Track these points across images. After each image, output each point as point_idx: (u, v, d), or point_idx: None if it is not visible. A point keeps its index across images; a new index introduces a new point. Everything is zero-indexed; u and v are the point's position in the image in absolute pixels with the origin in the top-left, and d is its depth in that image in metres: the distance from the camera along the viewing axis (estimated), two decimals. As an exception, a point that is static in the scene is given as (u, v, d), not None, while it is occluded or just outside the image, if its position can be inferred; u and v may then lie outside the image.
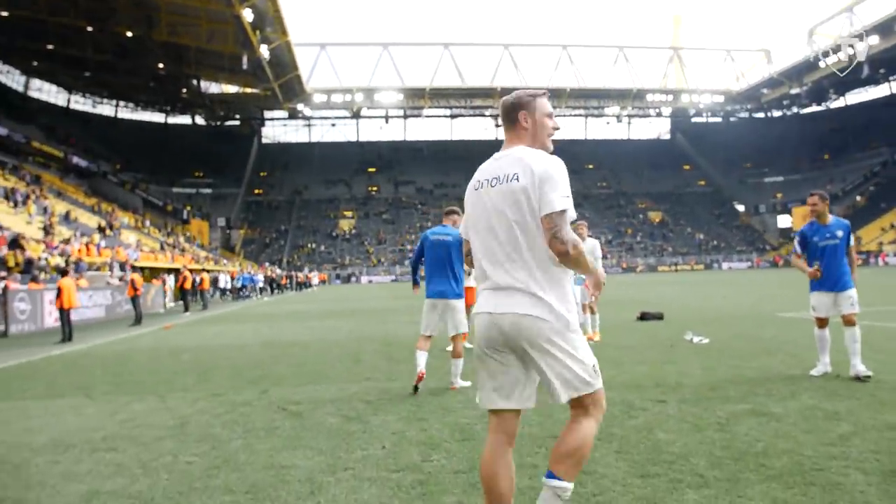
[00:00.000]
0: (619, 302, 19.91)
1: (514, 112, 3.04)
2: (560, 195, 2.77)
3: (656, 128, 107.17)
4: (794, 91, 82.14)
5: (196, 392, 7.40)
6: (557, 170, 2.84)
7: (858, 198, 78.19)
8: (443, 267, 7.23)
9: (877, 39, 66.13)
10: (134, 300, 19.85)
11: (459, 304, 7.30)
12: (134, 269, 22.32)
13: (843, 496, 3.59)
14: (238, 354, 10.98)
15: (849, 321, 6.99)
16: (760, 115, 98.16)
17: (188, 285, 26.01)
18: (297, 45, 63.63)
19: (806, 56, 75.52)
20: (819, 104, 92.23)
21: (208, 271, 42.00)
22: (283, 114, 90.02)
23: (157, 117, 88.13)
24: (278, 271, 54.28)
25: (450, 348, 10.22)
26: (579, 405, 2.91)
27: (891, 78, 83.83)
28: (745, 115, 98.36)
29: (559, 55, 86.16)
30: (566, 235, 2.73)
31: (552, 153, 2.97)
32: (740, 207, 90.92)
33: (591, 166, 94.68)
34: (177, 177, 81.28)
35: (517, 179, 2.87)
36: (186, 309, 25.38)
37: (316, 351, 11.05)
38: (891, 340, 9.48)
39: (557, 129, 3.11)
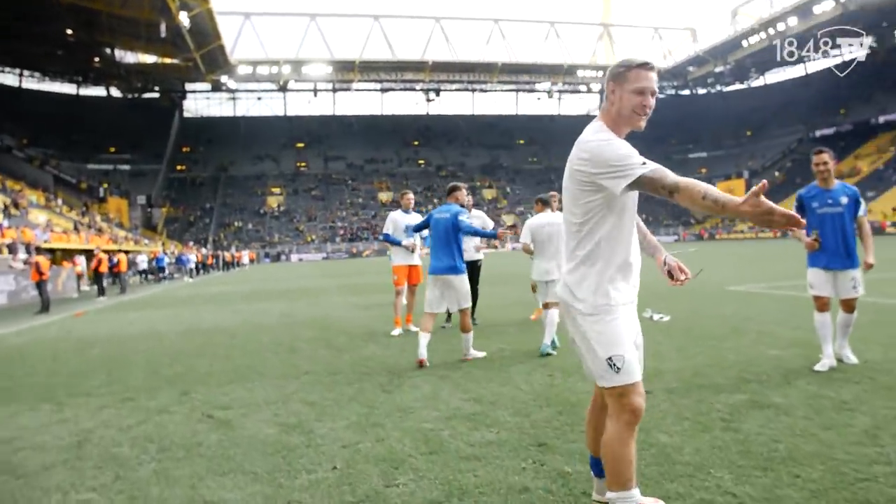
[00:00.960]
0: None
1: (607, 84, 2.84)
2: (630, 167, 2.64)
3: (586, 104, 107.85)
4: (719, 69, 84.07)
5: (102, 397, 6.23)
6: (602, 150, 2.71)
7: (777, 173, 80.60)
8: (442, 244, 7.26)
9: (795, 21, 68.40)
10: (39, 285, 18.06)
11: (458, 279, 7.20)
12: (39, 251, 20.36)
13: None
14: (155, 346, 9.74)
15: (847, 306, 6.09)
16: (686, 92, 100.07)
17: (103, 268, 24.15)
18: (219, 13, 60.73)
19: (731, 35, 77.31)
20: (741, 82, 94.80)
21: (127, 252, 39.74)
22: (206, 86, 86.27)
23: (67, 88, 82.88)
24: (203, 251, 51.95)
25: (447, 324, 9.92)
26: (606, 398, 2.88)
27: (806, 58, 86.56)
28: (671, 92, 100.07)
29: (491, 29, 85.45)
30: (666, 183, 2.61)
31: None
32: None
33: (521, 141, 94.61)
34: (91, 153, 76.95)
35: None
36: (101, 293, 23.56)
37: (244, 339, 9.94)
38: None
39: (649, 106, 2.77)
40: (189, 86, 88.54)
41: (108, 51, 70.18)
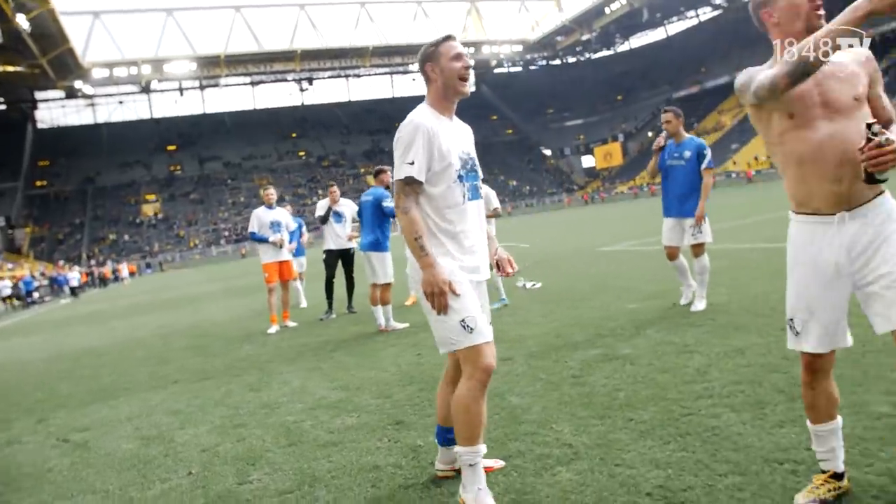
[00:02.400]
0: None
1: (423, 67, 3.01)
2: (400, 162, 2.86)
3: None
4: (585, 37, 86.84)
5: (-51, 434, 5.86)
6: (401, 133, 2.88)
7: (650, 133, 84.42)
8: (367, 224, 8.16)
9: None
10: None
11: (377, 256, 8.02)
12: None
13: (723, 442, 3.22)
14: (14, 377, 9.14)
15: (694, 252, 6.59)
16: (557, 62, 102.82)
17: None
18: (64, 13, 56.90)
19: (594, 3, 79.95)
20: (608, 49, 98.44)
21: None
22: (60, 94, 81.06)
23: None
24: (77, 268, 49.10)
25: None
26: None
27: (666, 21, 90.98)
28: (543, 63, 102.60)
29: (358, 12, 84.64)
30: (398, 202, 2.85)
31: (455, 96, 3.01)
32: (547, 152, 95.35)
33: (400, 124, 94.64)
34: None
35: None
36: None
37: (115, 357, 9.50)
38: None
39: (469, 67, 3.00)
40: (40, 94, 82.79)
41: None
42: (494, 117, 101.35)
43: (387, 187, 8.26)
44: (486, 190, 8.77)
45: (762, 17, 2.47)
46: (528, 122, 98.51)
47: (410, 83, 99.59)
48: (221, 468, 3.89)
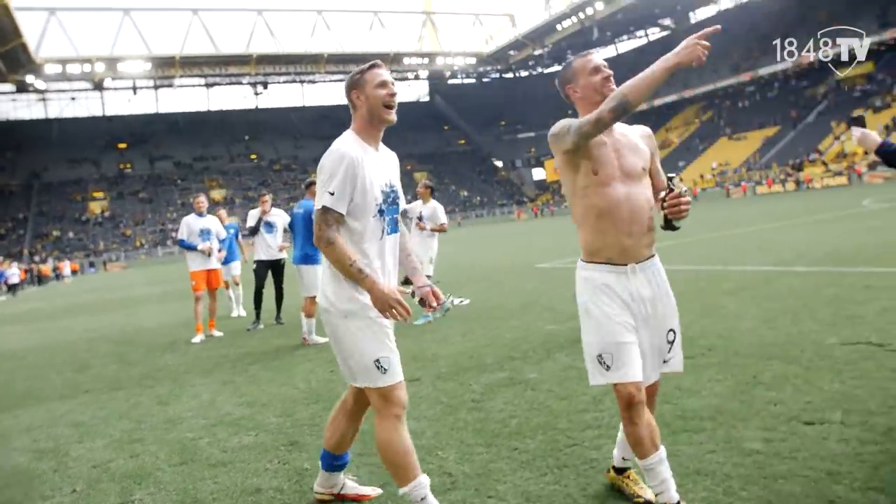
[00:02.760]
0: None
1: (349, 95, 2.93)
2: (321, 190, 2.77)
3: (416, 90, 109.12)
4: (538, 52, 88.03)
5: None
6: (325, 160, 2.80)
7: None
8: (297, 236, 8.31)
9: (602, 6, 73.36)
10: None
11: (308, 269, 8.14)
12: None
13: (597, 476, 3.31)
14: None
15: None
16: (510, 75, 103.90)
17: None
18: (17, 8, 55.57)
19: (545, 20, 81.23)
20: (560, 64, 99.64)
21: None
22: (11, 87, 78.83)
23: None
24: (16, 265, 47.58)
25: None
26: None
27: (616, 39, 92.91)
28: (496, 75, 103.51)
29: (315, 20, 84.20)
30: (320, 234, 2.75)
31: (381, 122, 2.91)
32: (499, 163, 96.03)
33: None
34: None
35: None
36: None
37: (33, 362, 9.29)
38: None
39: (394, 94, 2.92)
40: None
41: None
42: (447, 127, 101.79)
43: None
44: (433, 205, 9.09)
45: (567, 92, 2.87)
46: (481, 134, 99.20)
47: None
48: (107, 486, 3.86)
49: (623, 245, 2.70)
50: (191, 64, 79.28)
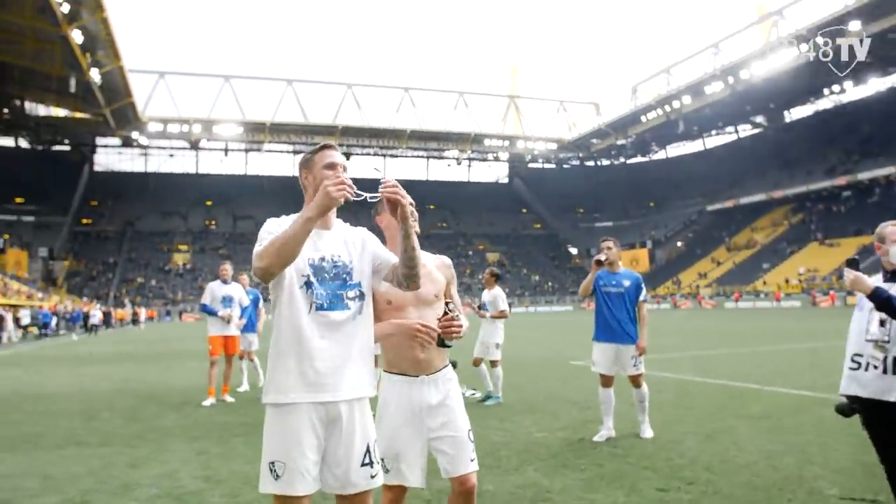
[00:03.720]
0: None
1: (300, 174, 2.83)
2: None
3: (495, 171, 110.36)
4: (621, 142, 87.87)
5: None
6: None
7: (679, 244, 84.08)
8: None
9: (689, 99, 72.51)
10: None
11: None
12: None
13: None
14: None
15: (634, 382, 6.64)
16: (591, 163, 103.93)
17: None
18: (132, 71, 60.22)
19: (630, 110, 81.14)
20: (643, 155, 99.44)
21: (13, 306, 37.95)
22: (117, 141, 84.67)
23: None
24: (98, 307, 49.86)
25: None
26: None
27: (703, 134, 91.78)
28: (576, 162, 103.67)
29: (401, 97, 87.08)
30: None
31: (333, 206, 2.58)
32: (573, 250, 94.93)
33: (432, 206, 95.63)
34: (-8, 204, 73.87)
35: None
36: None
37: (59, 406, 9.61)
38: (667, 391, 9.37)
39: (340, 176, 2.66)
40: (100, 140, 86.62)
41: (17, 103, 68.59)
42: (524, 210, 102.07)
43: None
44: (494, 292, 9.27)
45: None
46: (558, 219, 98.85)
47: (445, 168, 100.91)
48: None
49: (415, 359, 3.06)
50: (280, 131, 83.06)
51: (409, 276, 2.70)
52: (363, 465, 2.59)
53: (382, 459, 2.85)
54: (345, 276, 2.71)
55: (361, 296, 2.75)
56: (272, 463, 2.50)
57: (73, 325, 42.56)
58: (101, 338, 34.63)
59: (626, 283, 6.64)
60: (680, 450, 6.07)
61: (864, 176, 64.09)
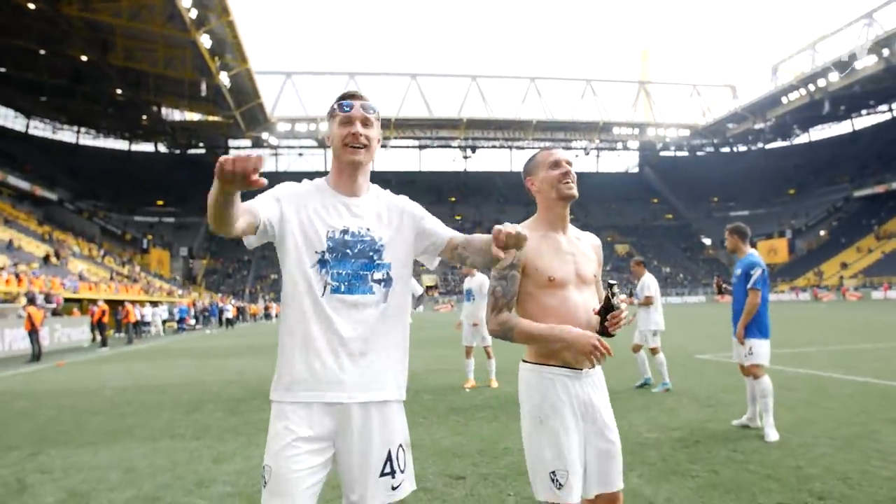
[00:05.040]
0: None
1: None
2: None
3: (625, 161, 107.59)
4: (759, 126, 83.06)
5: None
6: None
7: (822, 232, 78.53)
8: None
9: (837, 77, 67.31)
10: (31, 335, 18.53)
11: None
12: (32, 301, 20.86)
13: None
14: (78, 402, 9.77)
15: (745, 372, 6.36)
16: (726, 149, 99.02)
17: (106, 318, 24.70)
18: (259, 73, 62.92)
19: (770, 92, 76.47)
20: (784, 139, 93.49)
21: (153, 303, 40.58)
22: (248, 142, 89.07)
23: (119, 144, 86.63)
24: (231, 302, 52.65)
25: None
26: None
27: (852, 115, 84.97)
28: (711, 149, 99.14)
29: (527, 87, 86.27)
30: None
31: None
32: (707, 241, 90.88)
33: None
34: (139, 205, 79.83)
35: None
36: (104, 344, 24.00)
37: (169, 397, 9.92)
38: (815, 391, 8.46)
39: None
40: (232, 142, 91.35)
41: (154, 109, 73.27)
42: (656, 200, 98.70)
43: None
44: (643, 280, 9.47)
45: (527, 185, 2.80)
46: (690, 209, 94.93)
47: (573, 158, 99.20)
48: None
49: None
50: (405, 126, 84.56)
51: (479, 266, 2.41)
52: (383, 474, 2.22)
53: (553, 473, 2.48)
54: (372, 253, 2.32)
55: (389, 280, 2.34)
56: (264, 467, 2.19)
57: (210, 319, 44.97)
58: (235, 331, 36.33)
59: (738, 271, 6.37)
60: (811, 457, 5.28)
61: None
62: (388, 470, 2.23)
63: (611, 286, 2.49)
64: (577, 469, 2.49)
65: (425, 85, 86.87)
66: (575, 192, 2.68)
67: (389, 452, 2.24)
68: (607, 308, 2.49)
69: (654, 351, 9.17)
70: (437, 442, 6.23)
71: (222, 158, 1.83)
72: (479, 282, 9.74)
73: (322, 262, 2.26)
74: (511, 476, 5.01)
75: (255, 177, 1.85)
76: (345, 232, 2.30)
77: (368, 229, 2.34)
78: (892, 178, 72.47)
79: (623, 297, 2.50)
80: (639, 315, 9.31)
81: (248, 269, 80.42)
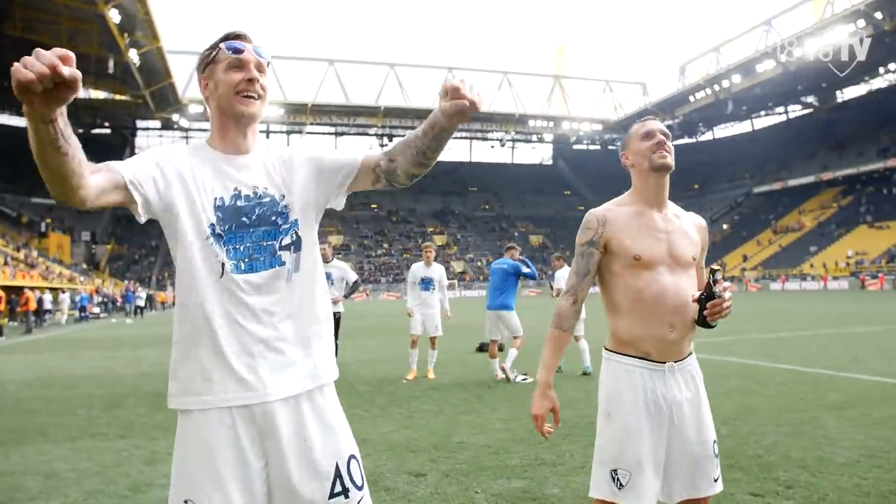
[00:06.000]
0: (471, 329, 18.56)
1: (199, 80, 2.03)
2: None
3: (539, 153, 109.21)
4: (667, 123, 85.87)
5: None
6: None
7: (725, 226, 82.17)
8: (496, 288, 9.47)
9: (739, 78, 70.64)
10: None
11: (507, 314, 9.39)
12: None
13: None
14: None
15: None
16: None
17: (1, 306, 23.07)
18: (172, 52, 60.04)
19: (678, 90, 79.36)
20: (690, 137, 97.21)
21: (53, 290, 38.29)
22: (158, 123, 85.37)
23: (15, 121, 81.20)
24: (142, 290, 50.26)
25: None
26: None
27: (752, 115, 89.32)
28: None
29: (444, 77, 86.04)
30: None
31: None
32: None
33: (474, 189, 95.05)
34: (36, 186, 74.97)
35: None
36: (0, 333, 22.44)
37: (82, 391, 9.19)
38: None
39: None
40: (141, 123, 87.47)
41: (55, 84, 68.93)
42: (568, 192, 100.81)
43: (514, 261, 9.55)
44: (561, 271, 10.42)
45: (622, 161, 2.57)
46: (601, 201, 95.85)
47: (489, 150, 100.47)
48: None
49: (663, 338, 2.34)
50: (321, 112, 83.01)
51: (418, 166, 1.92)
52: (333, 495, 1.79)
53: (615, 471, 2.26)
54: (274, 217, 1.88)
55: (298, 242, 1.91)
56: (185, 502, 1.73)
57: (128, 305, 42.58)
58: (144, 320, 34.74)
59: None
60: (765, 445, 5.33)
61: (918, 158, 62.28)
62: (338, 489, 1.81)
63: (713, 272, 2.26)
64: (647, 471, 2.25)
65: (343, 71, 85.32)
66: (670, 161, 2.40)
67: (337, 466, 1.82)
68: (708, 296, 2.25)
69: (576, 338, 9.66)
70: (387, 436, 5.95)
71: (14, 67, 1.30)
72: (438, 272, 9.86)
73: (214, 238, 1.81)
74: (473, 472, 4.78)
75: (66, 69, 1.30)
76: (236, 196, 1.86)
77: (266, 189, 1.90)
78: (787, 176, 76.66)
79: (727, 283, 2.25)
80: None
81: (156, 256, 77.24)
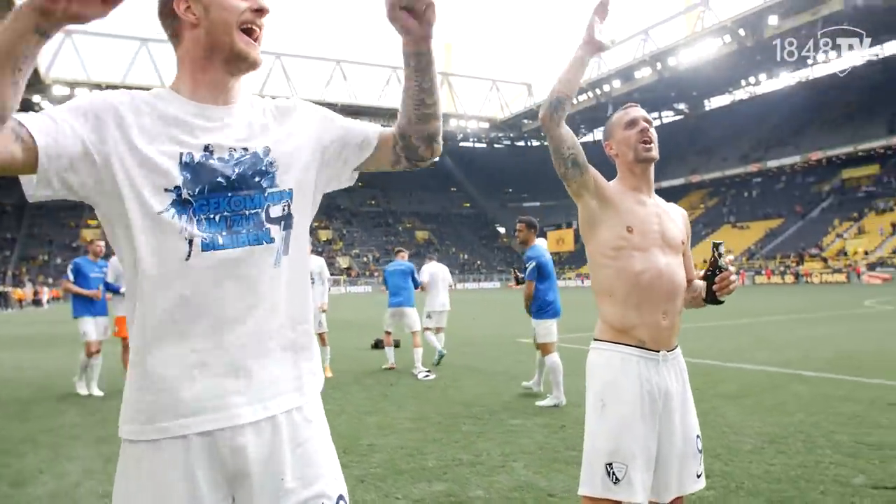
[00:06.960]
0: (361, 325, 18.29)
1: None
2: None
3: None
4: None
5: None
6: None
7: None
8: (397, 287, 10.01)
9: (619, 83, 74.26)
10: None
11: (410, 310, 9.93)
12: None
13: None
14: None
15: (541, 349, 7.13)
16: (521, 143, 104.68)
17: None
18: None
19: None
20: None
21: None
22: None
23: None
24: (-4, 286, 46.41)
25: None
26: None
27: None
28: (508, 142, 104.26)
29: (332, 69, 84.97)
30: None
31: None
32: (501, 230, 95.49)
33: (360, 184, 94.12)
34: None
35: None
36: None
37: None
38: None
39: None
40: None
41: None
42: (454, 189, 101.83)
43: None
44: (438, 267, 10.87)
45: (607, 152, 2.53)
46: (487, 199, 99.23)
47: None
48: None
49: (657, 326, 2.30)
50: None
51: (425, 118, 1.57)
52: None
53: (610, 465, 2.17)
54: (259, 178, 1.44)
55: (289, 218, 1.48)
56: None
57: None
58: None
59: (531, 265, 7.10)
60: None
61: (772, 164, 67.72)
62: None
63: (716, 246, 2.25)
64: (641, 464, 2.17)
65: (349, 72, 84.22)
66: (655, 154, 2.39)
67: None
68: (714, 271, 2.23)
69: (437, 330, 10.66)
70: (291, 442, 5.56)
71: None
72: (318, 265, 9.51)
73: (180, 205, 1.36)
74: (390, 476, 4.52)
75: None
76: (208, 152, 1.41)
77: (246, 142, 1.45)
78: (661, 177, 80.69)
79: (730, 258, 2.12)
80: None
81: (12, 249, 71.46)
